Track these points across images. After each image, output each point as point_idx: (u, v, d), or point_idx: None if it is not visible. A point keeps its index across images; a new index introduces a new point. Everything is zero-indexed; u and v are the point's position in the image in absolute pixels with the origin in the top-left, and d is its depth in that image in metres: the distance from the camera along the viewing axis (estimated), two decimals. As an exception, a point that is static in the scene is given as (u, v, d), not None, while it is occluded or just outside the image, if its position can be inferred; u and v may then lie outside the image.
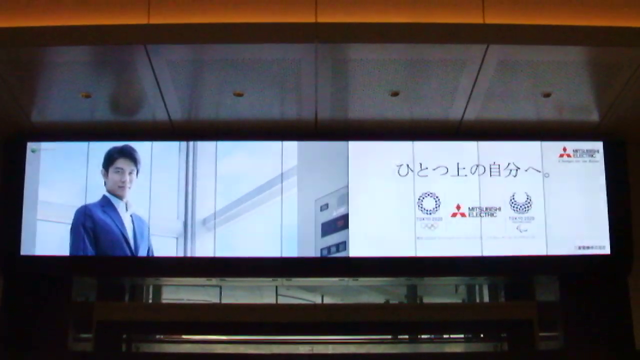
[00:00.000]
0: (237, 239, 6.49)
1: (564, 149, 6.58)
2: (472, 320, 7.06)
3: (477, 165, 6.55)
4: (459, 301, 7.73)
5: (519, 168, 6.54)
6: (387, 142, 6.60)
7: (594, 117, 6.41)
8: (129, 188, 6.56)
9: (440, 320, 7.00)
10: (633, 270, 6.48)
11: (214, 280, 7.07)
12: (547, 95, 6.03)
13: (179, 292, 7.68)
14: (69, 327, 6.53)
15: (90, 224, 6.46)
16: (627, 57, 5.53)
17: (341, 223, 6.44)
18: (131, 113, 6.41)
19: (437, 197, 6.51)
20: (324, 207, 6.50)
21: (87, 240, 6.43)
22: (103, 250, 6.46)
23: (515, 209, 6.48)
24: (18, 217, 6.46)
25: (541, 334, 6.79)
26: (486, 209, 6.49)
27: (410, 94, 6.03)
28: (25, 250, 6.42)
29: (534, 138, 6.59)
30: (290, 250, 6.45)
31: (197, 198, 6.55)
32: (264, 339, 7.11)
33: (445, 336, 7.49)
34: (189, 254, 6.48)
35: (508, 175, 6.53)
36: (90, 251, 6.42)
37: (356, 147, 6.58)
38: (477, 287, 7.66)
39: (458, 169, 6.55)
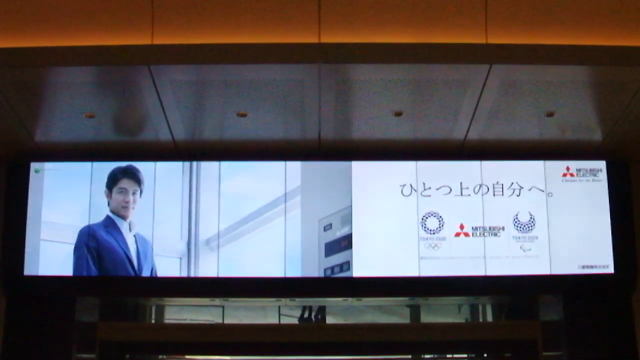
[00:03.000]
0: (240, 259, 6.47)
1: (567, 168, 6.57)
2: (476, 340, 7.04)
3: (481, 185, 6.55)
4: (462, 321, 7.71)
5: (522, 187, 6.54)
6: (391, 162, 6.59)
7: (597, 136, 6.41)
8: (133, 208, 6.56)
9: (444, 340, 6.98)
10: (637, 289, 6.46)
11: (217, 301, 7.06)
12: (550, 114, 6.03)
13: (182, 312, 7.66)
14: (72, 347, 6.49)
15: (94, 244, 6.45)
16: (630, 77, 5.53)
17: (345, 243, 6.43)
18: (135, 133, 6.42)
19: (440, 216, 6.50)
20: (328, 227, 6.49)
21: (90, 261, 6.42)
22: (106, 271, 6.45)
23: (518, 228, 6.47)
24: (21, 237, 6.44)
25: (545, 353, 6.76)
26: (489, 228, 6.48)
27: (413, 114, 6.04)
28: (28, 271, 6.41)
29: (537, 157, 6.59)
30: (294, 271, 6.43)
31: (201, 218, 6.54)
32: (267, 359, 7.11)
33: (448, 356, 7.49)
34: (192, 274, 6.46)
35: (511, 194, 6.53)
36: (93, 271, 6.41)
37: (359, 167, 6.58)
38: (480, 307, 7.65)
39: (461, 188, 6.55)
